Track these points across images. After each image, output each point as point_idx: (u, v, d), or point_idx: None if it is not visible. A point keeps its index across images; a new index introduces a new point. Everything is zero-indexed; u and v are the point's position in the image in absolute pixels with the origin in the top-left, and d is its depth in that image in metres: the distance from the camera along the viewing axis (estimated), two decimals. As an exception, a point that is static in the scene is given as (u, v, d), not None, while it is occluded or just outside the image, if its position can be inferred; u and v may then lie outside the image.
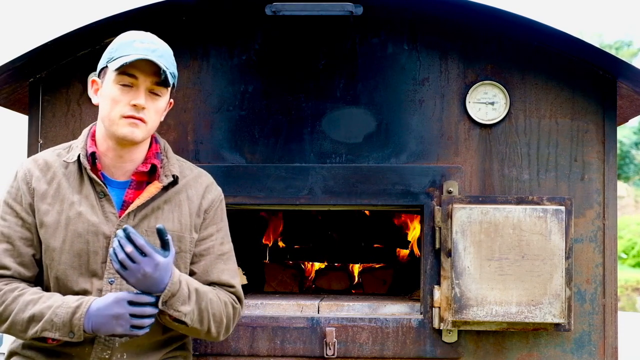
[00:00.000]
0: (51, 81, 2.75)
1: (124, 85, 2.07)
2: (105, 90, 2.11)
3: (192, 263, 2.20)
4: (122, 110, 2.07)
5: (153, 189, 2.13)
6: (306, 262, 3.57)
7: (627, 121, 3.30)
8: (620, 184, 19.97)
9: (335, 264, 3.53)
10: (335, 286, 3.39)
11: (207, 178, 2.29)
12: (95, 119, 2.71)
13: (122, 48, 2.08)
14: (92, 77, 2.17)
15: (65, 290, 2.08)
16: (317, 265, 3.58)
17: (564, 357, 2.65)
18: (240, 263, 2.91)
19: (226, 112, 2.72)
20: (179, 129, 2.72)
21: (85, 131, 2.22)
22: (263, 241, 3.55)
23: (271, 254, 3.54)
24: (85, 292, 2.07)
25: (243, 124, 2.73)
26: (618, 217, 2.70)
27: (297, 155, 2.70)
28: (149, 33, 2.17)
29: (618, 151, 7.15)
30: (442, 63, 2.71)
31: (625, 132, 21.09)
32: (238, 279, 2.26)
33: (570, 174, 2.68)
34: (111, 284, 2.08)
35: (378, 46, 2.71)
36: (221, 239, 2.25)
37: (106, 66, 2.11)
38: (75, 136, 2.71)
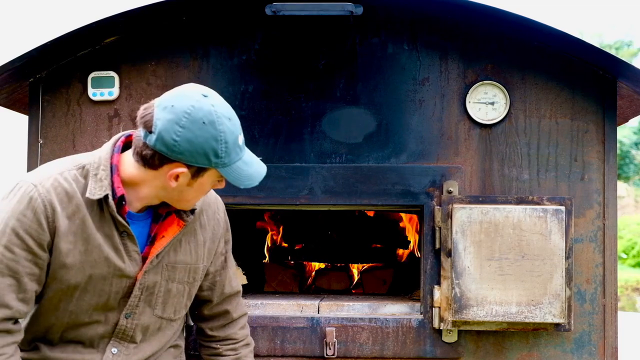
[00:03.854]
0: (51, 81, 2.75)
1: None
2: (200, 184, 1.99)
3: (208, 280, 2.25)
4: None
5: (176, 228, 2.09)
6: (306, 262, 3.57)
7: (627, 121, 3.30)
8: (620, 184, 19.98)
9: (336, 264, 3.53)
10: (335, 286, 3.39)
11: (213, 197, 2.27)
12: (95, 119, 2.73)
13: (234, 152, 1.97)
14: (181, 168, 1.93)
15: (74, 321, 2.05)
16: (317, 265, 3.58)
17: (564, 357, 2.65)
18: (240, 263, 2.92)
19: (226, 112, 2.72)
20: (179, 129, 2.72)
21: (104, 159, 2.00)
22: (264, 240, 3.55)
23: (271, 254, 3.54)
24: (96, 322, 2.07)
25: (243, 124, 2.68)
26: (618, 217, 2.70)
27: (297, 155, 2.70)
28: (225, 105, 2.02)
29: (618, 151, 7.15)
30: (442, 63, 2.71)
31: (625, 132, 21.07)
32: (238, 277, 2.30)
33: (570, 174, 2.68)
34: (127, 318, 2.08)
35: (378, 46, 2.71)
36: (230, 249, 2.30)
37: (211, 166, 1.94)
38: (75, 136, 2.72)
